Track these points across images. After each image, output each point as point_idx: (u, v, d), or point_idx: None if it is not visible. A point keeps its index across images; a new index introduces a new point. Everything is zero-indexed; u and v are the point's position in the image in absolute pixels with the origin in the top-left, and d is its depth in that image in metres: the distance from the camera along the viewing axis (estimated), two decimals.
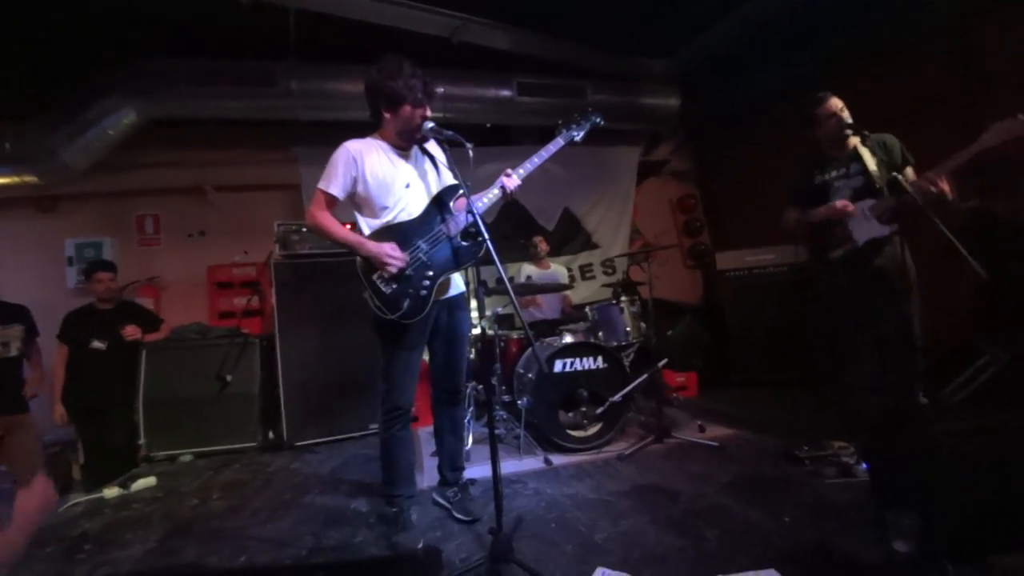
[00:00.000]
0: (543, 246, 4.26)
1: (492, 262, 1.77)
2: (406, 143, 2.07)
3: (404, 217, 2.01)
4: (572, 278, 5.09)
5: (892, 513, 1.72)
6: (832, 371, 2.79)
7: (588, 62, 4.34)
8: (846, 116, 2.47)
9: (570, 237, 5.39)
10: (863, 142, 2.43)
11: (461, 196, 2.05)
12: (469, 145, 1.77)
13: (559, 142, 2.23)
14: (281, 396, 3.41)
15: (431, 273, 1.96)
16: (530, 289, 3.81)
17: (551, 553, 1.85)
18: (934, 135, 2.06)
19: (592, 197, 5.43)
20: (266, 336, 3.63)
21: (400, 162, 2.06)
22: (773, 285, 4.31)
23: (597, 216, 5.47)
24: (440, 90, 4.13)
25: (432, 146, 2.14)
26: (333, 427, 3.50)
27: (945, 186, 2.10)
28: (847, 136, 2.47)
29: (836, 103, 2.49)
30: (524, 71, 4.35)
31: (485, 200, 2.05)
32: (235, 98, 3.87)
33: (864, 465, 2.23)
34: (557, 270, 4.32)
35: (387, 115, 1.99)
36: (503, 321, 3.58)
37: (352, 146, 2.01)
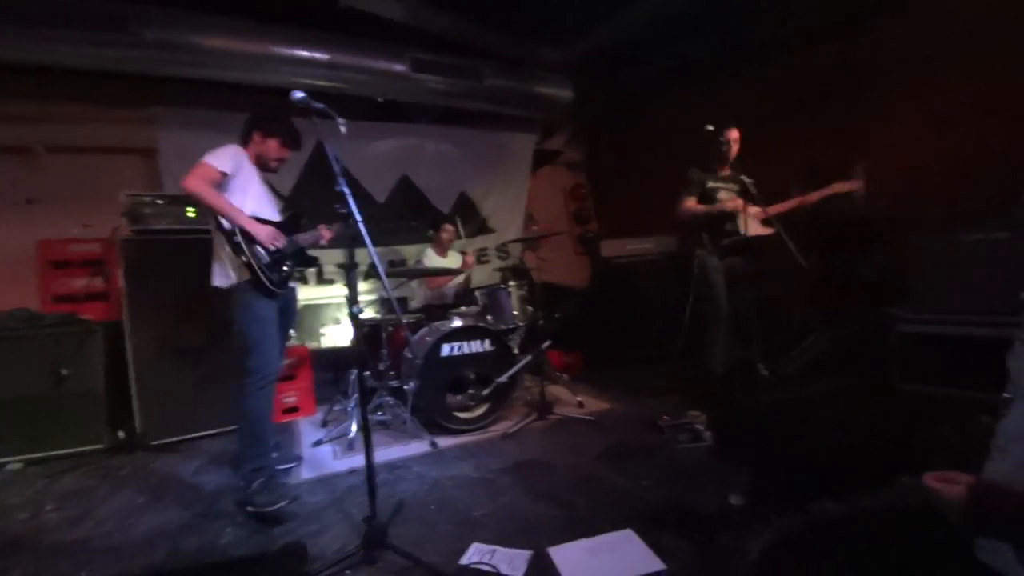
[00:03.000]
0: (450, 236, 4.20)
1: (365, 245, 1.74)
2: (260, 167, 2.44)
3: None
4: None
5: (729, 471, 1.98)
6: (692, 340, 3.31)
7: (485, 44, 4.31)
8: (735, 149, 3.19)
9: (466, 221, 5.36)
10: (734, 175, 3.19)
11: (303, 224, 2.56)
12: (341, 121, 1.69)
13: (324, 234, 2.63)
14: (133, 391, 3.02)
15: (289, 263, 2.40)
16: (419, 273, 3.76)
17: (429, 534, 1.88)
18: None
19: (487, 181, 5.45)
20: (112, 323, 3.17)
21: (258, 178, 2.43)
22: (651, 271, 4.67)
23: (492, 201, 5.51)
24: (326, 56, 3.86)
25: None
26: (196, 423, 3.19)
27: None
28: (728, 161, 3.22)
29: (735, 134, 3.18)
30: (419, 47, 4.21)
31: (306, 237, 2.54)
32: (73, 43, 3.23)
33: (708, 432, 2.53)
34: (453, 259, 4.29)
35: (256, 137, 2.40)
36: (391, 305, 3.50)
37: (237, 148, 2.35)
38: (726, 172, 3.27)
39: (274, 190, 2.73)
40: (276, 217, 2.45)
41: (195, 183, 2.12)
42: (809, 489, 1.84)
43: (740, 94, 4.37)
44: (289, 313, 2.55)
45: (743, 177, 2.97)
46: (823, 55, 3.88)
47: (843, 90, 3.76)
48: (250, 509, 2.10)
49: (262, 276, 2.20)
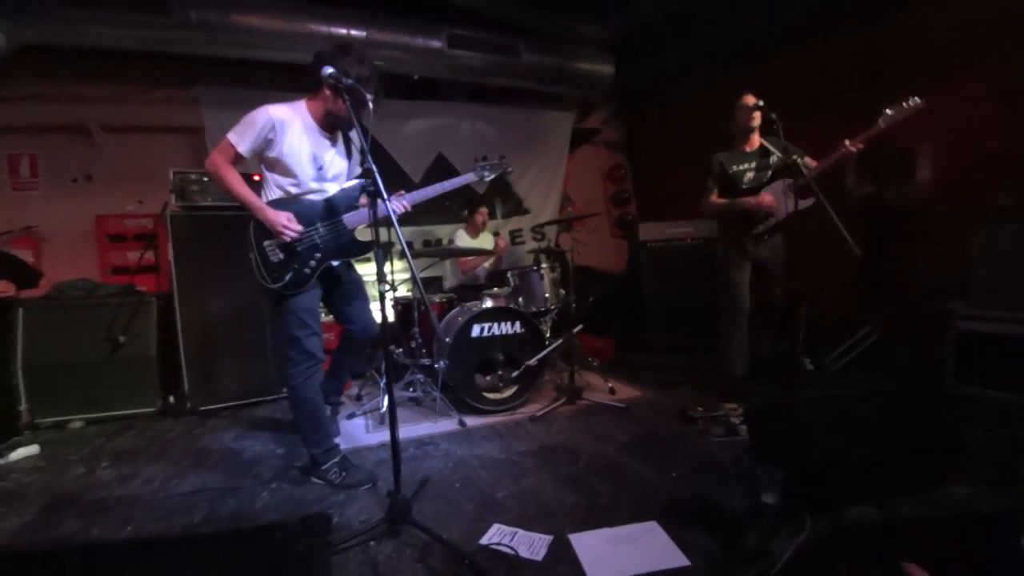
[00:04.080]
0: (484, 219, 4.18)
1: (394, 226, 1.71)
2: (329, 126, 2.08)
3: (311, 195, 2.08)
4: None
5: (763, 469, 1.90)
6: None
7: (522, 19, 4.19)
8: (757, 117, 2.78)
9: (501, 201, 5.33)
10: (766, 138, 2.81)
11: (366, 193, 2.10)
12: (369, 96, 1.67)
13: (471, 176, 2.38)
14: (182, 359, 3.19)
15: (319, 255, 2.06)
16: (449, 252, 3.76)
17: (451, 512, 1.89)
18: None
19: (524, 161, 5.35)
20: (164, 294, 3.34)
21: (321, 141, 2.08)
22: (690, 256, 4.51)
23: (528, 181, 5.42)
24: (362, 34, 3.85)
25: (354, 133, 2.13)
26: (240, 391, 3.34)
27: (860, 145, 2.48)
28: (753, 131, 2.85)
29: (750, 99, 2.79)
30: (455, 24, 4.14)
31: (354, 217, 2.13)
32: (121, 26, 3.37)
33: (743, 426, 2.43)
34: (485, 240, 4.27)
35: (327, 91, 1.96)
36: (426, 285, 3.53)
37: (275, 111, 1.96)
38: (753, 147, 2.90)
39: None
40: (343, 182, 2.18)
41: (212, 164, 1.98)
42: (847, 492, 1.75)
43: (790, 72, 4.09)
44: (351, 282, 2.37)
45: (785, 143, 2.63)
46: (884, 27, 3.56)
47: (903, 65, 3.45)
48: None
49: (260, 279, 2.01)
